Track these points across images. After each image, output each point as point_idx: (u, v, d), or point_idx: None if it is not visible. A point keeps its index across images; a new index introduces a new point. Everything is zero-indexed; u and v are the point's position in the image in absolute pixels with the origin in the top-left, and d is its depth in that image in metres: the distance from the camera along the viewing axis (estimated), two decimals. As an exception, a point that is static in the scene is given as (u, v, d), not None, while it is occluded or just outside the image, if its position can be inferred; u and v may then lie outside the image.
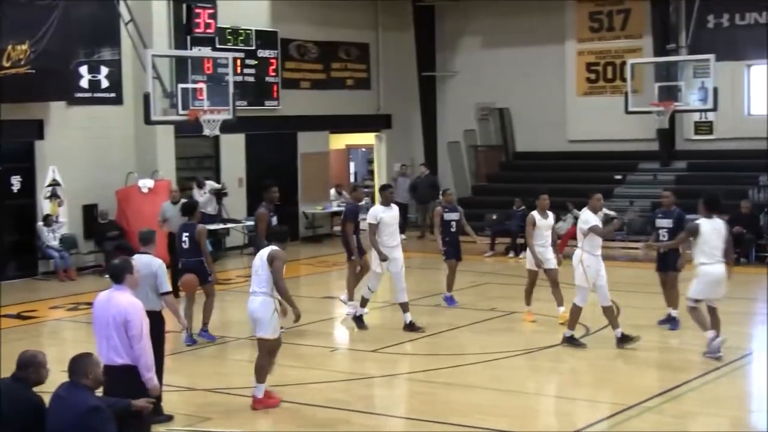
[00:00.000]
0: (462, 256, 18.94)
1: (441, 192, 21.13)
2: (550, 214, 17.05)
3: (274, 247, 12.28)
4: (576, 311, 14.98)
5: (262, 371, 12.31)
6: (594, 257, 14.82)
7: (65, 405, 8.04)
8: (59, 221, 23.45)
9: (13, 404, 8.02)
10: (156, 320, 11.29)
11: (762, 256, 23.65)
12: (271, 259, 12.09)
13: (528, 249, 17.07)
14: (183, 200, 19.49)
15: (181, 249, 16.28)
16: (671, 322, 16.25)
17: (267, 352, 12.33)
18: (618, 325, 14.94)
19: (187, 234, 16.13)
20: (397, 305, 16.70)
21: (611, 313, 15.04)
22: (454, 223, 18.59)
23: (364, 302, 17.00)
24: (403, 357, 15.16)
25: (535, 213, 16.83)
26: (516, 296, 19.20)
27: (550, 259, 16.87)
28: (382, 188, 17.74)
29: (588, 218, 14.90)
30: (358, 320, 16.92)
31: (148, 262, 11.79)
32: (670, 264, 16.18)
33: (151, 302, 11.51)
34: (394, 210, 16.82)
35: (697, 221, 14.34)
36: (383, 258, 16.47)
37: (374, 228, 16.60)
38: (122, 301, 9.27)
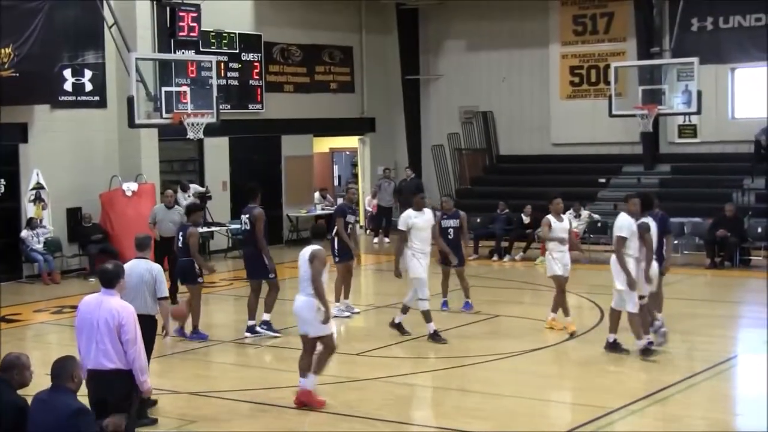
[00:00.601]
0: (462, 260, 18.58)
1: (440, 198, 20.98)
2: (565, 217, 16.68)
3: (316, 246, 12.36)
4: (635, 318, 14.56)
5: (320, 365, 12.41)
6: (633, 259, 14.73)
7: (48, 408, 7.99)
8: (43, 224, 23.36)
9: (-3, 406, 8.00)
10: (150, 325, 11.31)
11: (746, 260, 23.68)
12: (312, 258, 12.16)
13: (546, 254, 16.76)
14: (177, 206, 19.63)
15: (178, 248, 16.53)
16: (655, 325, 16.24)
17: (331, 348, 12.41)
18: (616, 331, 14.86)
19: (182, 234, 16.39)
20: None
21: (616, 318, 14.85)
22: (451, 230, 18.18)
23: (427, 316, 15.98)
24: (389, 360, 15.11)
25: (549, 216, 16.43)
26: (500, 300, 19.20)
27: (566, 264, 16.39)
28: (414, 193, 17.35)
29: (622, 225, 14.55)
30: (435, 336, 15.93)
31: (148, 268, 11.82)
32: (653, 267, 16.19)
33: (149, 307, 11.57)
34: (427, 214, 16.21)
35: (644, 220, 14.63)
36: (397, 274, 16.17)
37: (404, 235, 16.06)
38: (115, 306, 9.19)
